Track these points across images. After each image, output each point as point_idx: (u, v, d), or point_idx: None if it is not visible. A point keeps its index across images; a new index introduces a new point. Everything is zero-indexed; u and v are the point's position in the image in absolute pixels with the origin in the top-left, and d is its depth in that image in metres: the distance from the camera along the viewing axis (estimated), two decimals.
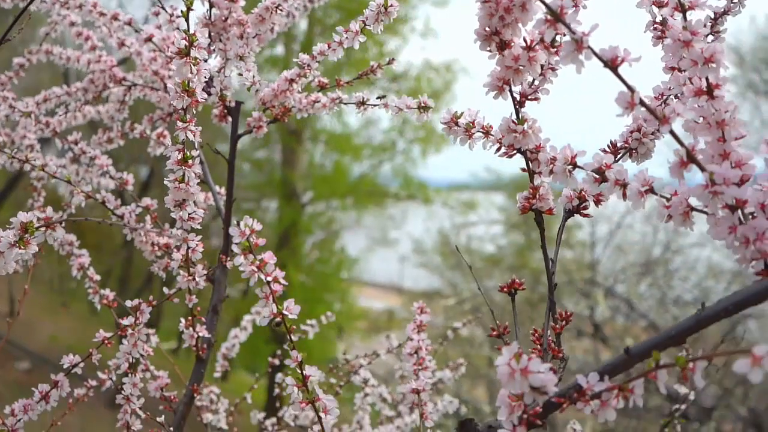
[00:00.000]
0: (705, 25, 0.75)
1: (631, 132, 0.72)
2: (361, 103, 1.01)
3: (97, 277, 1.15)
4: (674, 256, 7.44)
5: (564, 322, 0.66)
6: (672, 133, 0.54)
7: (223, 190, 1.16)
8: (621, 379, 0.55)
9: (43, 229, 0.69)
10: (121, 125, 1.28)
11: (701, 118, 0.57)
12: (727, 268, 7.29)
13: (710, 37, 0.75)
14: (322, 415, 0.68)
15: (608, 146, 0.72)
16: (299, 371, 0.68)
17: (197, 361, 1.05)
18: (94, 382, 1.18)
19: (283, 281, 0.66)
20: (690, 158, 0.54)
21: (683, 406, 1.14)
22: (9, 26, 0.82)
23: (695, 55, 0.55)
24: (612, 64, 0.53)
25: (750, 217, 0.55)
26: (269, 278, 0.65)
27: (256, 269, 0.65)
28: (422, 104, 0.88)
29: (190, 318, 1.01)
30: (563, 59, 0.53)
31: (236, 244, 0.64)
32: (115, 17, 1.14)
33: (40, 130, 1.34)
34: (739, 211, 0.56)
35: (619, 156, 0.72)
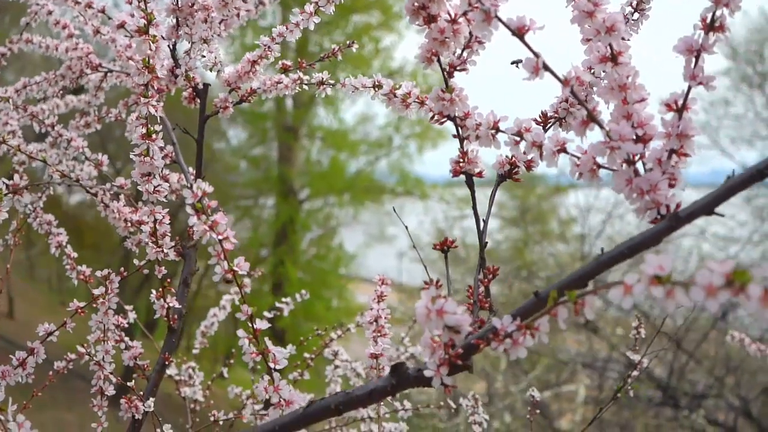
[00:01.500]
0: (630, 3, 0.80)
1: (560, 102, 0.77)
2: (321, 83, 1.06)
3: (75, 255, 1.20)
4: (666, 246, 7.51)
5: (492, 276, 0.71)
6: (574, 94, 0.59)
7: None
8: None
9: (11, 195, 0.75)
10: (97, 110, 1.33)
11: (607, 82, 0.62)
12: (716, 257, 7.36)
13: (636, 15, 0.80)
14: (271, 365, 0.73)
15: (539, 116, 0.78)
16: (250, 325, 0.74)
17: (169, 331, 1.10)
18: (73, 356, 1.23)
19: (234, 240, 0.71)
20: (591, 118, 0.59)
21: (635, 372, 1.20)
22: None
23: (598, 24, 0.61)
24: (519, 32, 0.59)
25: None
26: (221, 237, 0.71)
27: (208, 228, 0.70)
28: (376, 83, 0.93)
29: (161, 289, 1.06)
30: (475, 29, 0.59)
31: (189, 205, 0.69)
32: (89, 5, 1.19)
33: (21, 118, 1.39)
34: (641, 166, 0.61)
35: (549, 125, 0.77)
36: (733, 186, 0.54)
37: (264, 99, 1.15)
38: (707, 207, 0.55)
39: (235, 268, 0.72)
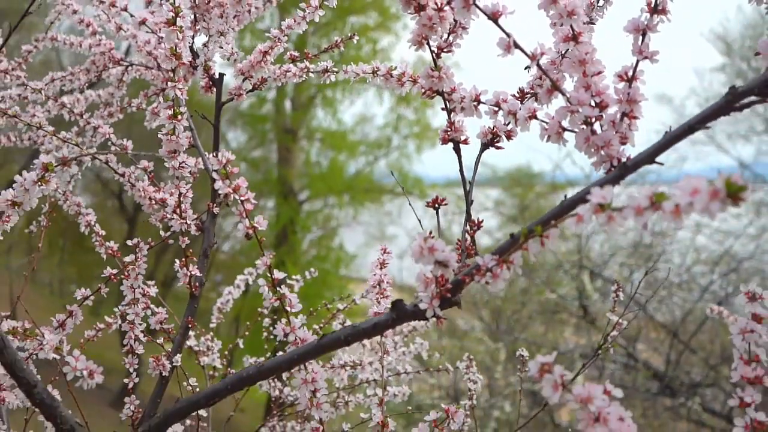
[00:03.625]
0: None
1: (535, 79, 0.88)
2: (325, 71, 1.18)
3: (103, 232, 1.31)
4: (661, 240, 7.63)
5: (477, 227, 0.83)
6: (539, 67, 0.71)
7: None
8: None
9: (60, 166, 0.86)
10: (120, 101, 1.45)
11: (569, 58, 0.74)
12: (712, 250, 7.50)
13: (601, 1, 0.92)
14: (288, 309, 0.85)
15: (517, 92, 0.89)
16: (269, 275, 0.85)
17: (191, 297, 1.21)
18: (101, 325, 1.35)
19: (253, 201, 0.83)
20: (554, 87, 0.71)
21: (615, 333, 1.31)
22: (24, 13, 0.99)
23: (560, 9, 0.72)
24: (494, 16, 0.70)
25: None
26: (243, 198, 0.82)
27: (231, 191, 0.82)
28: (375, 69, 1.05)
29: (183, 259, 1.17)
30: (457, 15, 0.70)
31: (215, 171, 0.81)
32: (112, 4, 1.30)
33: (47, 111, 1.51)
34: (599, 128, 0.73)
35: (525, 99, 0.89)
36: (670, 138, 0.66)
37: (266, 97, 1.27)
38: (650, 157, 0.67)
39: (255, 225, 0.83)
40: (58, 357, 0.82)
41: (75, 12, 1.42)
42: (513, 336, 7.39)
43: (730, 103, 0.64)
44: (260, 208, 11.91)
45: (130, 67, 1.43)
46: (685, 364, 6.83)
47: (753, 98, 0.64)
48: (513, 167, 11.95)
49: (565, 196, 0.70)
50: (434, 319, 0.75)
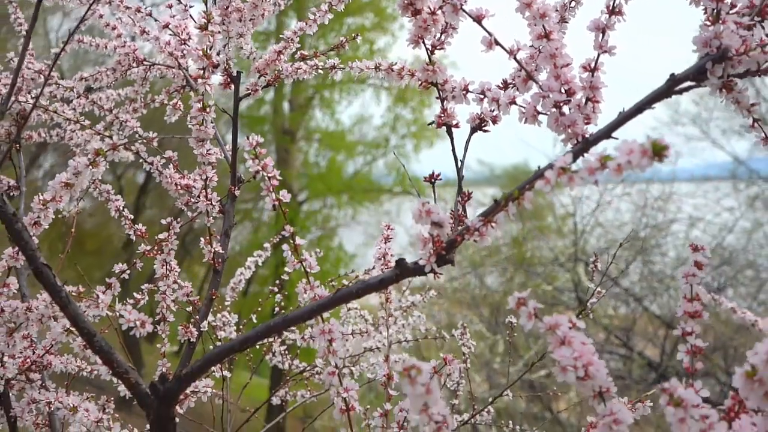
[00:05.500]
0: None
1: (515, 71, 1.02)
2: (333, 68, 1.32)
3: (131, 216, 1.45)
4: (658, 234, 7.79)
5: (467, 198, 0.97)
6: (516, 61, 0.85)
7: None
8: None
9: (110, 151, 1.00)
10: (144, 98, 1.59)
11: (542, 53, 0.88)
12: (706, 243, 7.66)
13: (572, 3, 1.06)
14: (308, 270, 0.99)
15: (501, 82, 1.03)
16: (292, 241, 1.00)
17: (214, 272, 1.35)
18: (132, 301, 1.49)
19: (278, 177, 0.97)
20: (528, 76, 0.85)
21: (594, 300, 1.45)
22: (80, 20, 1.14)
23: (534, 12, 0.87)
24: (478, 19, 0.85)
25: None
26: (270, 175, 0.96)
27: (260, 169, 0.96)
28: (377, 65, 1.19)
29: (208, 237, 1.32)
30: (447, 18, 0.85)
31: (246, 151, 0.95)
32: (138, 10, 1.44)
33: (73, 109, 1.65)
34: (567, 109, 0.87)
35: (508, 88, 1.03)
36: (623, 117, 0.80)
37: (264, 98, 1.41)
38: (607, 133, 0.81)
39: (280, 197, 0.98)
40: (110, 314, 0.96)
41: (101, 16, 1.56)
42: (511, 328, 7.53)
43: (670, 88, 0.78)
44: (259, 209, 12.05)
45: (152, 67, 1.56)
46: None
47: (690, 83, 0.78)
48: (510, 165, 12.12)
49: (539, 167, 0.84)
50: (432, 273, 0.90)
